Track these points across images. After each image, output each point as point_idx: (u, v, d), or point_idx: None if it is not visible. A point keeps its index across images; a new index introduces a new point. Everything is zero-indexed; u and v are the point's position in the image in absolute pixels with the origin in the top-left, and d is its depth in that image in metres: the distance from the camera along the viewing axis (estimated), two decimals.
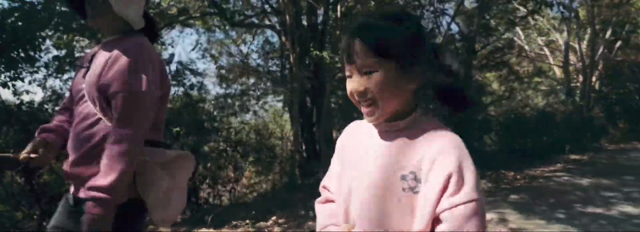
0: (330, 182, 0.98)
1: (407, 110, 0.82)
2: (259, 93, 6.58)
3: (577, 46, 13.51)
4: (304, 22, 5.71)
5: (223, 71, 6.81)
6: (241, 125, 5.46)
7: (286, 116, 6.91)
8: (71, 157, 1.27)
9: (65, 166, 1.28)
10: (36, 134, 1.35)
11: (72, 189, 1.31)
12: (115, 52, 1.22)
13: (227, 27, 5.79)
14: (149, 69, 1.23)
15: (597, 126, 12.58)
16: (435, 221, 0.74)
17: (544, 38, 14.58)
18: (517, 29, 12.54)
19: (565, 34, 13.37)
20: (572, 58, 14.21)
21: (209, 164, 4.60)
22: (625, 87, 15.30)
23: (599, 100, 14.00)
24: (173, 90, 5.39)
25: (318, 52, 4.98)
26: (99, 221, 1.14)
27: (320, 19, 5.99)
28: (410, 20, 0.83)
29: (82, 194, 1.23)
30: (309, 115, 5.99)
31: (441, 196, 0.73)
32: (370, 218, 0.81)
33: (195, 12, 5.19)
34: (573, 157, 8.60)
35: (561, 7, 8.92)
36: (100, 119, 1.25)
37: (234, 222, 3.86)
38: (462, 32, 8.26)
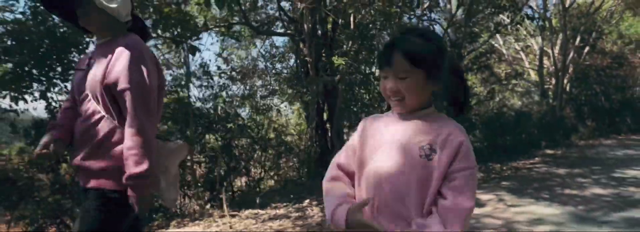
0: (343, 158, 1.16)
1: (424, 106, 1.06)
2: (266, 93, 7.19)
3: (550, 51, 14.69)
4: (319, 31, 6.35)
5: (234, 73, 7.37)
6: (264, 122, 6.07)
7: (289, 113, 7.55)
8: (80, 152, 1.37)
9: (75, 160, 1.38)
10: (47, 131, 1.44)
11: (81, 181, 1.42)
12: (115, 51, 1.33)
13: (250, 35, 6.39)
14: (148, 64, 1.34)
15: (568, 125, 13.71)
16: (445, 179, 0.98)
17: (520, 43, 15.72)
18: (497, 35, 13.56)
19: (539, 40, 14.51)
20: (546, 62, 15.40)
21: (242, 156, 5.21)
22: (592, 89, 16.62)
23: (569, 101, 15.18)
24: (202, 91, 5.95)
25: (335, 58, 5.65)
26: (143, 201, 1.30)
27: (326, 27, 6.67)
28: (436, 38, 1.08)
29: (89, 184, 1.37)
30: (321, 114, 6.64)
31: (452, 161, 0.98)
32: (392, 180, 1.01)
33: (221, 22, 5.78)
34: (548, 151, 9.59)
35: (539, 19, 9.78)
36: (103, 116, 1.35)
37: (273, 205, 4.48)
38: (451, 39, 9.07)
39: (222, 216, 4.14)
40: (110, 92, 1.31)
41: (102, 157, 1.34)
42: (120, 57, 1.30)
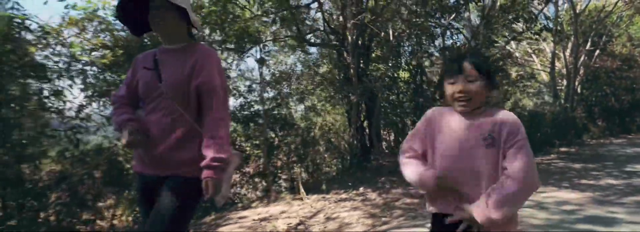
0: (413, 143, 1.44)
1: (481, 106, 1.35)
2: (312, 97, 8.01)
3: (561, 54, 15.37)
4: (359, 42, 7.17)
5: (272, 78, 8.19)
6: (311, 122, 6.90)
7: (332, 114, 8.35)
8: (161, 145, 1.49)
9: (156, 152, 1.50)
10: (123, 124, 1.53)
11: (151, 170, 1.55)
12: (196, 57, 1.49)
13: (296, 45, 7.25)
14: (221, 70, 1.54)
15: (579, 124, 14.39)
16: (504, 157, 1.28)
17: (533, 47, 16.40)
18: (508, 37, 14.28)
19: (551, 43, 15.19)
20: (557, 64, 16.07)
21: (300, 149, 6.06)
22: (603, 90, 17.27)
23: (580, 102, 15.82)
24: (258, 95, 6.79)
25: (377, 65, 6.47)
26: (218, 184, 1.44)
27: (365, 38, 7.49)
28: (488, 59, 1.99)
29: (168, 172, 1.51)
30: (360, 115, 7.46)
31: (506, 140, 1.28)
32: (462, 166, 1.30)
33: (278, 36, 6.65)
34: (562, 149, 10.32)
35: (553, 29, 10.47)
36: (182, 114, 1.48)
37: (333, 191, 5.30)
38: (471, 45, 9.83)
39: (296, 199, 4.96)
40: (196, 92, 1.47)
41: (183, 149, 1.48)
42: (206, 63, 1.47)
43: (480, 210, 1.23)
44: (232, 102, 7.02)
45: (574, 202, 4.27)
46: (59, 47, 4.14)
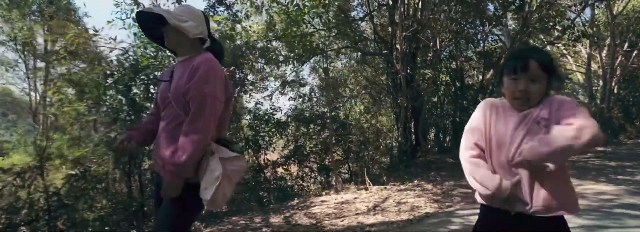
0: (475, 138, 1.46)
1: (538, 100, 1.38)
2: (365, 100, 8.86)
3: (597, 55, 15.55)
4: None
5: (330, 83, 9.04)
6: (365, 123, 7.75)
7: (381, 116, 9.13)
8: (167, 149, 1.57)
9: (161, 155, 1.59)
10: (125, 133, 1.69)
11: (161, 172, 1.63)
12: (192, 66, 1.55)
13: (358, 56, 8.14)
14: (215, 78, 1.55)
15: (616, 124, 14.57)
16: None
17: (569, 48, 16.60)
18: (545, 40, 14.63)
19: (587, 45, 15.39)
20: (593, 65, 16.23)
21: (356, 147, 6.93)
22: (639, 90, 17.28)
23: (617, 102, 15.94)
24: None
25: (425, 71, 7.24)
26: (171, 186, 1.52)
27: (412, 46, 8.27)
28: (552, 57, 1.42)
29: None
30: (408, 117, 8.24)
31: (559, 112, 1.32)
32: (523, 148, 1.32)
33: (339, 47, 7.56)
34: (600, 149, 10.71)
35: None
36: (184, 119, 1.56)
37: (391, 183, 6.11)
38: (507, 48, 10.39)
39: (361, 189, 5.80)
40: (186, 98, 1.54)
41: None
42: (199, 71, 1.53)
43: (529, 147, 1.30)
44: (292, 105, 7.97)
45: (611, 193, 4.93)
46: None
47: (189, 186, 1.53)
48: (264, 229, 3.95)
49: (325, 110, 7.30)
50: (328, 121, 6.68)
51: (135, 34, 5.61)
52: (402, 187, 5.82)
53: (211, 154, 1.53)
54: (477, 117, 1.47)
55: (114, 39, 5.49)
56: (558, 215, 1.37)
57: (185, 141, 1.49)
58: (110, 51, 5.13)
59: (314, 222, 4.08)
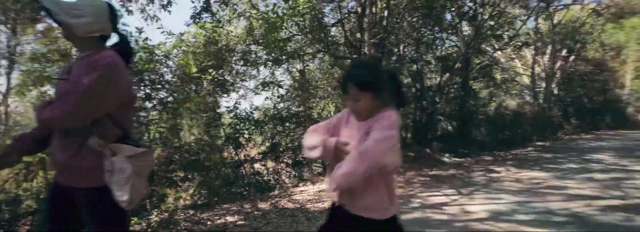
0: (322, 126, 1.70)
1: (372, 115, 1.54)
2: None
3: (540, 59, 17.25)
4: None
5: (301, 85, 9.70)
6: None
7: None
8: (65, 153, 1.51)
9: (60, 160, 1.52)
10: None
11: (61, 179, 1.59)
12: (89, 63, 1.47)
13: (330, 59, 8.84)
14: (102, 76, 1.44)
15: (555, 122, 16.30)
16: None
17: (515, 52, 18.25)
18: (496, 45, 16.09)
19: (532, 50, 17.05)
20: (537, 68, 17.96)
21: None
22: (576, 91, 19.28)
23: (557, 102, 17.76)
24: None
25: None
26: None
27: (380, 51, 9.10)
28: (376, 67, 1.59)
29: (74, 183, 1.54)
30: None
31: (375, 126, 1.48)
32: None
33: (311, 50, 8.22)
34: (539, 143, 12.14)
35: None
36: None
37: None
38: (462, 53, 11.53)
39: None
40: None
41: (87, 157, 1.49)
42: (90, 69, 1.45)
43: (332, 174, 1.48)
44: (269, 105, 8.57)
45: (542, 178, 5.98)
46: None
47: (97, 190, 1.49)
48: (255, 212, 4.57)
49: (301, 109, 7.95)
50: (303, 119, 7.34)
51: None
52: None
53: (113, 155, 1.49)
54: (335, 118, 1.71)
55: None
56: (368, 217, 1.53)
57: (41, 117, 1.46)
58: None
59: (298, 206, 4.75)
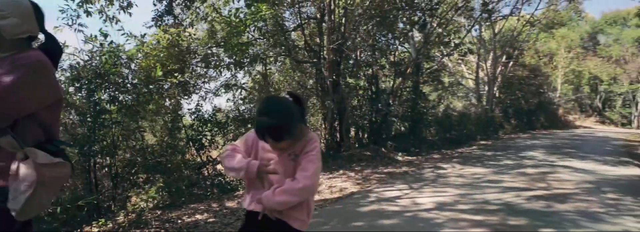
0: (240, 144, 1.73)
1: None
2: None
3: (483, 65, 18.67)
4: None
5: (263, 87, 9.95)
6: None
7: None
8: None
9: None
10: None
11: None
12: (11, 63, 1.40)
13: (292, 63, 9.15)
14: (22, 76, 1.38)
15: (497, 122, 17.71)
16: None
17: (462, 58, 19.60)
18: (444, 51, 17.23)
19: (476, 56, 18.41)
20: (480, 73, 19.40)
21: None
22: (515, 94, 21.02)
23: (498, 104, 19.29)
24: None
25: (350, 80, 8.58)
26: None
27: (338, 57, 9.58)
28: (281, 108, 1.56)
29: None
30: (333, 117, 9.52)
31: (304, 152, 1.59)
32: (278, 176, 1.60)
33: (273, 54, 8.50)
34: (482, 142, 13.22)
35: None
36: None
37: (321, 173, 7.28)
38: (413, 59, 12.32)
39: None
40: None
41: None
42: (10, 68, 1.39)
43: (265, 196, 1.56)
44: (231, 107, 8.75)
45: (482, 173, 6.70)
46: None
47: None
48: (224, 210, 4.81)
49: None
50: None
51: (85, 40, 5.96)
52: (331, 175, 7.02)
53: (23, 158, 1.40)
54: (248, 135, 1.73)
55: (64, 44, 5.80)
56: (290, 224, 1.64)
57: None
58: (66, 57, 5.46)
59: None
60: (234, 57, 7.81)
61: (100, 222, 4.69)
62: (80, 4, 6.71)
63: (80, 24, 6.60)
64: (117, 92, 5.61)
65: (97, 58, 5.14)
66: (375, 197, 5.00)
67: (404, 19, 9.99)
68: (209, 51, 7.91)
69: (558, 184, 5.68)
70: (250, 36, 8.15)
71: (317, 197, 5.28)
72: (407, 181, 6.11)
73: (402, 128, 11.62)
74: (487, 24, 16.46)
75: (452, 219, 3.87)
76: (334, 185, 6.04)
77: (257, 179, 1.62)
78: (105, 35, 5.46)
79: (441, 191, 5.27)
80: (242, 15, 7.39)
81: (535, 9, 18.00)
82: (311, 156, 1.57)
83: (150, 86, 5.66)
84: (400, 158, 9.02)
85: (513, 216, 3.98)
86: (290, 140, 1.55)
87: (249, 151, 1.70)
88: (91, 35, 5.60)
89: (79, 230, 4.64)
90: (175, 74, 6.00)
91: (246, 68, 9.06)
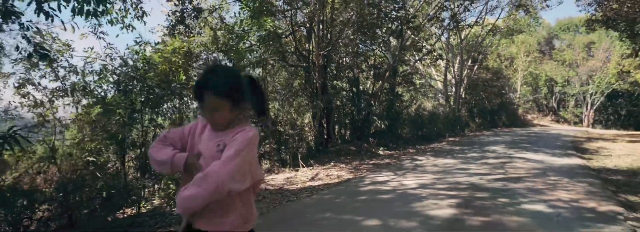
0: (172, 134, 1.57)
1: (229, 125, 1.48)
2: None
3: (451, 68, 20.26)
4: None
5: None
6: (293, 120, 9.81)
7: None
8: None
9: None
10: None
11: None
12: None
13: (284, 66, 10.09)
14: None
15: (463, 121, 19.32)
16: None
17: (433, 63, 21.12)
18: (416, 56, 18.66)
19: (445, 60, 19.95)
20: (448, 76, 21.01)
21: (284, 139, 8.94)
22: (479, 95, 22.83)
23: (464, 104, 20.95)
24: None
25: (337, 82, 9.65)
26: None
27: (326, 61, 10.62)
28: (234, 75, 1.45)
29: None
30: (322, 116, 10.56)
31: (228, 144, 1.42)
32: (205, 164, 1.43)
33: (269, 59, 9.43)
34: (450, 139, 14.65)
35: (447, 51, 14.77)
36: None
37: (314, 165, 8.30)
38: (390, 63, 13.55)
39: (293, 170, 7.86)
40: None
41: None
42: None
43: (178, 196, 1.38)
44: None
45: (452, 164, 7.94)
46: None
47: None
48: None
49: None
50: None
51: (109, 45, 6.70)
52: (324, 167, 8.06)
53: None
54: (189, 126, 1.59)
55: (92, 49, 6.52)
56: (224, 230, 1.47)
57: None
58: (93, 61, 6.19)
59: (277, 187, 6.02)
60: (232, 61, 8.69)
61: (141, 204, 5.53)
62: (100, 14, 7.42)
63: (102, 32, 7.33)
64: (148, 94, 6.41)
65: (132, 64, 5.93)
66: (370, 181, 6.08)
67: (384, 29, 11.15)
68: (211, 56, 8.75)
69: (513, 171, 6.98)
70: (249, 43, 9.04)
71: (319, 182, 6.31)
72: (392, 170, 7.24)
73: (383, 126, 12.79)
74: (454, 32, 17.98)
75: (433, 194, 5.01)
76: (331, 173, 7.08)
77: (186, 174, 1.45)
78: (140, 44, 6.27)
79: (421, 176, 6.43)
80: (246, 28, 8.30)
81: (497, 19, 19.72)
82: (233, 144, 1.39)
83: (170, 87, 6.48)
84: (381, 152, 10.17)
85: (478, 191, 5.16)
86: (230, 105, 1.42)
87: (184, 139, 1.55)
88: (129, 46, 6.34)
89: (121, 210, 5.45)
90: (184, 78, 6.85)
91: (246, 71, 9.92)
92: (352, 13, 9.89)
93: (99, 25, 7.32)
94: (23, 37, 3.73)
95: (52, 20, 3.69)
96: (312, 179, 6.69)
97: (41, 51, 3.71)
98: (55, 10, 3.76)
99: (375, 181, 6.06)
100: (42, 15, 3.61)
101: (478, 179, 6.08)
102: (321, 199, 4.80)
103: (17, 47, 3.86)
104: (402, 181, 6.02)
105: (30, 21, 3.83)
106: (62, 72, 5.77)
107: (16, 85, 5.27)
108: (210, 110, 1.43)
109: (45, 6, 3.65)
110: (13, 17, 3.59)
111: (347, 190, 5.41)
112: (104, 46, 6.75)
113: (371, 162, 8.42)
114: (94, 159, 5.34)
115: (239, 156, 1.36)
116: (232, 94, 1.41)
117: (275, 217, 4.01)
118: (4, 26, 3.62)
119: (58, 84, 5.62)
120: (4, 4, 3.36)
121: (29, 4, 3.65)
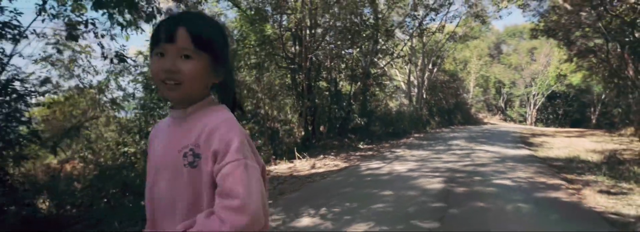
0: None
1: (198, 98, 0.92)
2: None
3: (414, 70, 21.96)
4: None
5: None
6: (280, 117, 10.70)
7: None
8: None
9: None
10: None
11: None
12: None
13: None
14: None
15: (425, 119, 21.06)
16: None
17: (399, 66, 22.72)
18: (386, 60, 20.13)
19: (409, 64, 21.59)
20: (412, 77, 22.70)
21: (276, 134, 9.83)
22: (438, 95, 24.81)
23: (425, 104, 22.74)
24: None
25: (322, 83, 10.69)
26: None
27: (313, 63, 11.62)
28: (222, 25, 0.98)
29: None
30: (308, 114, 11.55)
31: (215, 161, 0.80)
32: (162, 198, 0.86)
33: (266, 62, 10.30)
34: (416, 135, 16.18)
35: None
36: None
37: (307, 157, 9.27)
38: (364, 66, 14.78)
39: (289, 162, 8.78)
40: None
41: None
42: None
43: None
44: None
45: (425, 154, 9.23)
46: None
47: None
48: None
49: (260, 111, 9.99)
50: (261, 119, 9.40)
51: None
52: (317, 159, 9.06)
53: None
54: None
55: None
56: None
57: None
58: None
59: (288, 174, 6.94)
60: (233, 63, 9.47)
61: None
62: (111, 16, 7.92)
63: (113, 35, 7.86)
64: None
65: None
66: (365, 167, 7.18)
67: (364, 34, 12.35)
68: None
69: (478, 159, 8.37)
70: (248, 47, 9.84)
71: (321, 169, 7.32)
72: (379, 159, 8.39)
73: (362, 123, 14.01)
74: (418, 38, 19.62)
75: (422, 175, 6.19)
76: (327, 163, 8.10)
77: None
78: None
79: (406, 163, 7.62)
80: (244, 34, 9.14)
81: (456, 26, 21.63)
82: (232, 159, 0.81)
83: None
84: (361, 146, 11.33)
85: (457, 173, 6.42)
86: (208, 58, 0.90)
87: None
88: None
89: None
90: None
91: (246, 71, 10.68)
92: (334, 19, 10.96)
93: (111, 26, 7.87)
94: (98, 45, 4.39)
95: (127, 31, 4.40)
96: (313, 167, 7.67)
97: (120, 56, 4.37)
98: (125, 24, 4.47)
99: (370, 167, 7.17)
100: (117, 27, 4.32)
101: (452, 165, 7.36)
102: (335, 180, 5.82)
103: (103, 53, 4.50)
104: (392, 167, 7.17)
105: (105, 30, 4.50)
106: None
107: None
108: (177, 56, 0.88)
109: (120, 18, 4.37)
110: (90, 27, 4.28)
111: (351, 174, 6.46)
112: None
113: (356, 154, 9.54)
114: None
115: (253, 180, 0.81)
116: (214, 43, 0.92)
117: (308, 192, 4.98)
118: (85, 34, 4.28)
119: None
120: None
121: (103, 15, 4.35)
